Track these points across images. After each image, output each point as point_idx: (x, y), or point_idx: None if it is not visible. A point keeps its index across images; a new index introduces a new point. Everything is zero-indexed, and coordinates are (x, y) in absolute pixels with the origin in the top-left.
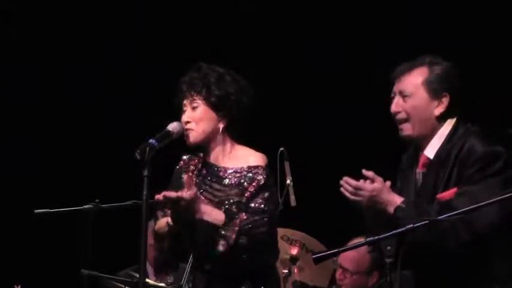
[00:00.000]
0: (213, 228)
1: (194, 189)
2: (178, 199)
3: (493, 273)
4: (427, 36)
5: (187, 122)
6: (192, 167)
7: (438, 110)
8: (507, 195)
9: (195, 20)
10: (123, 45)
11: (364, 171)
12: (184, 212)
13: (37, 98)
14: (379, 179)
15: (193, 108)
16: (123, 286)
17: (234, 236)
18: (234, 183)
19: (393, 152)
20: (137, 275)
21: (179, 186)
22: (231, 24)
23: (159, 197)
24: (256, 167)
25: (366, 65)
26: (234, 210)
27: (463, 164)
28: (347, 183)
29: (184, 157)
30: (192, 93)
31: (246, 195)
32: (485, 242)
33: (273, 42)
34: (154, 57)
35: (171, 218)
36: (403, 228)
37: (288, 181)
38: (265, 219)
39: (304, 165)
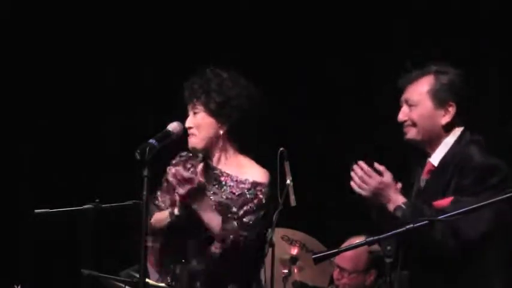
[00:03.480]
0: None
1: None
2: (191, 179)
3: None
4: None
5: (190, 128)
6: (189, 165)
7: (445, 119)
8: (504, 196)
9: (196, 19)
10: (123, 45)
11: (376, 165)
12: (193, 195)
13: (37, 98)
14: (388, 175)
15: (194, 114)
16: (123, 286)
17: (230, 241)
18: (236, 193)
19: (394, 152)
20: (138, 275)
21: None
22: (230, 23)
23: (172, 167)
24: (261, 184)
25: (366, 64)
26: (233, 221)
27: (461, 172)
28: (359, 167)
29: (183, 154)
30: (193, 99)
31: (244, 208)
32: (474, 251)
33: (274, 41)
34: (155, 57)
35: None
36: (403, 228)
37: (288, 181)
38: (254, 235)
39: (304, 165)
